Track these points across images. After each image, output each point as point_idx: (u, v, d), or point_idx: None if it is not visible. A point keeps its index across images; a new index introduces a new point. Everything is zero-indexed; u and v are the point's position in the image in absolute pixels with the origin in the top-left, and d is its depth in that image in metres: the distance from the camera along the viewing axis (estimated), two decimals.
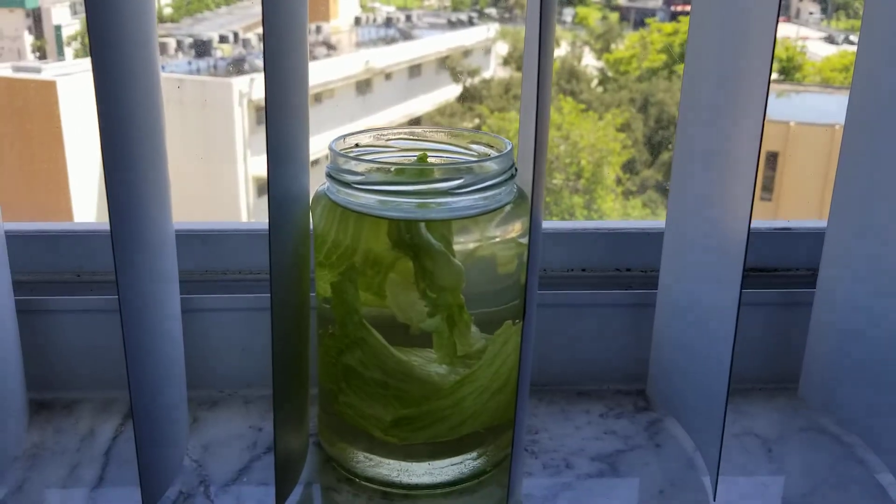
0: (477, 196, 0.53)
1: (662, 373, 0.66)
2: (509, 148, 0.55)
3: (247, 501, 0.55)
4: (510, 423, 0.56)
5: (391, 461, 0.56)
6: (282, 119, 0.48)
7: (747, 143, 0.51)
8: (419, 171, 0.54)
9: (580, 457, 0.60)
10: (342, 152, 0.55)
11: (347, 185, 0.53)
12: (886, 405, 0.59)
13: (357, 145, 0.58)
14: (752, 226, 0.69)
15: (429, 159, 0.57)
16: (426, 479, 0.56)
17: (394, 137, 0.59)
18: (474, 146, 0.59)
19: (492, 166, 0.54)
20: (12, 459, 0.59)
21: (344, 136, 0.57)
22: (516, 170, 0.56)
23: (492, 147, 0.58)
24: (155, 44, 0.52)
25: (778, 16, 0.47)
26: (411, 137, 0.60)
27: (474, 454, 0.57)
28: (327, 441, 0.59)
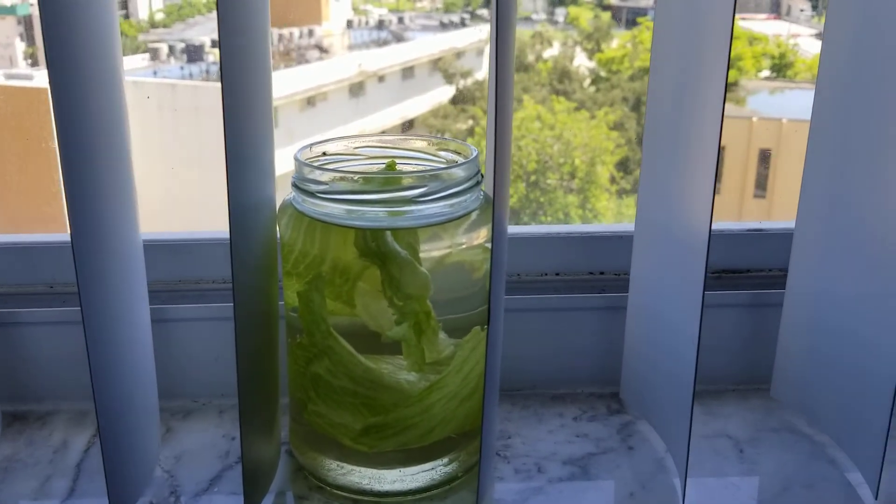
0: (443, 203, 0.53)
1: (635, 375, 0.66)
2: (475, 154, 0.55)
3: None
4: (480, 429, 0.57)
5: (362, 469, 0.56)
6: (242, 124, 0.48)
7: (707, 146, 0.51)
8: (384, 179, 0.54)
9: (552, 461, 0.61)
10: (307, 161, 0.55)
11: (312, 194, 0.53)
12: (857, 404, 0.59)
13: (325, 154, 0.58)
14: (723, 227, 0.69)
15: (397, 167, 0.57)
16: (397, 486, 0.56)
17: (361, 145, 0.60)
18: (442, 153, 0.59)
19: (457, 173, 0.54)
20: None
21: (311, 145, 0.57)
22: (482, 176, 0.56)
23: (459, 154, 0.58)
24: (118, 50, 0.52)
25: (733, 21, 0.48)
26: (379, 145, 0.60)
27: (445, 460, 0.57)
28: (298, 450, 0.59)
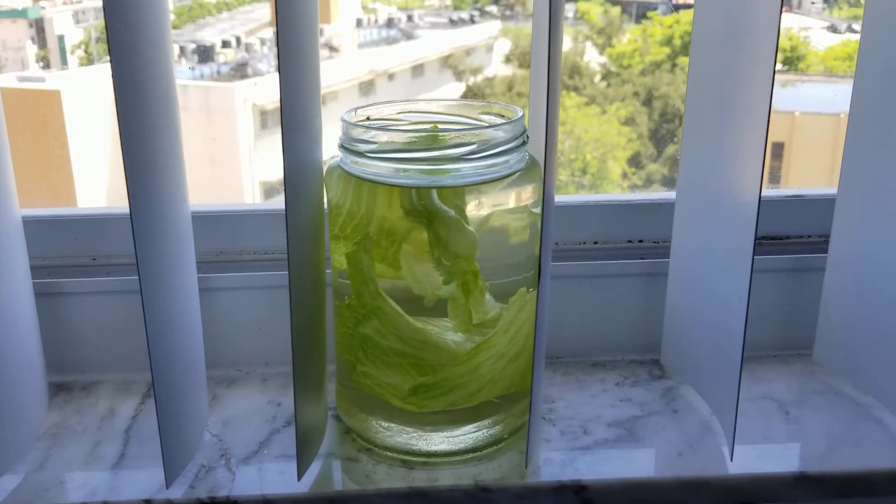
0: (488, 162, 0.53)
1: (676, 341, 0.66)
2: (520, 115, 0.56)
3: (268, 473, 0.56)
4: (526, 391, 0.57)
5: (410, 429, 0.57)
6: (295, 90, 0.48)
7: (757, 109, 0.51)
8: (431, 138, 0.54)
9: (597, 423, 0.61)
10: (355, 123, 0.55)
11: (361, 154, 0.53)
12: None
13: (368, 118, 0.58)
14: (763, 194, 0.69)
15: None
16: (445, 447, 0.57)
17: (405, 110, 0.60)
18: (485, 117, 0.59)
19: (502, 133, 0.54)
20: (33, 440, 0.59)
21: (355, 109, 0.58)
22: (528, 137, 0.56)
23: (503, 116, 0.58)
24: (168, 35, 0.53)
25: None
26: (422, 110, 0.60)
27: (491, 421, 0.57)
28: (346, 412, 0.60)
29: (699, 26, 0.59)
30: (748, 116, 0.53)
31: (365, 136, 0.53)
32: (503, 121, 0.57)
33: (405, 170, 0.53)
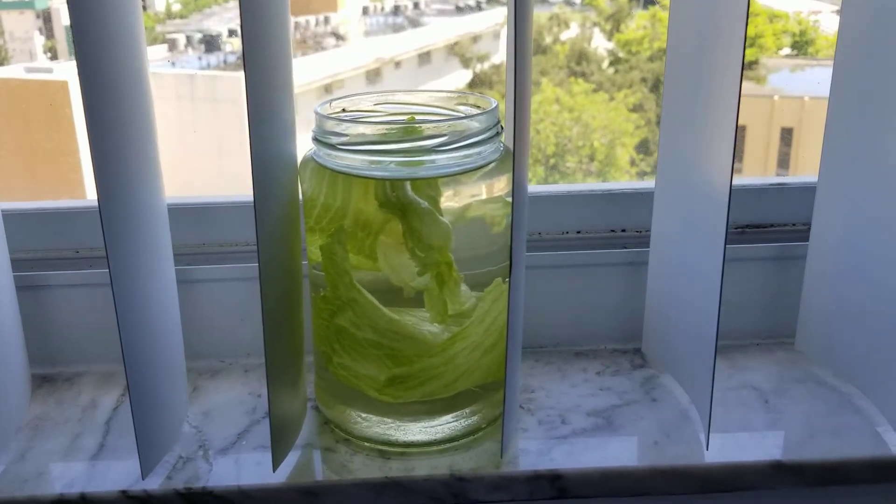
0: (462, 153, 0.53)
1: (657, 330, 0.66)
2: (494, 106, 0.55)
3: (245, 464, 0.56)
4: (503, 381, 0.57)
5: (387, 420, 0.57)
6: (262, 80, 0.48)
7: (727, 102, 0.51)
8: (404, 130, 0.54)
9: (576, 413, 0.61)
10: (328, 115, 0.55)
11: (334, 147, 0.53)
12: (882, 354, 0.59)
13: (344, 110, 0.58)
14: (747, 182, 0.69)
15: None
16: (422, 437, 0.57)
17: (380, 101, 0.60)
18: (462, 108, 0.59)
19: (476, 124, 0.54)
20: (15, 431, 0.60)
21: (330, 101, 0.58)
22: (502, 128, 0.56)
23: (478, 107, 0.58)
24: (139, 23, 0.53)
25: None
26: (398, 101, 0.60)
27: (469, 411, 0.57)
28: (324, 403, 0.60)
29: (675, 18, 0.59)
30: (720, 106, 0.52)
31: (337, 129, 0.53)
32: (478, 111, 0.57)
33: (379, 162, 0.53)
